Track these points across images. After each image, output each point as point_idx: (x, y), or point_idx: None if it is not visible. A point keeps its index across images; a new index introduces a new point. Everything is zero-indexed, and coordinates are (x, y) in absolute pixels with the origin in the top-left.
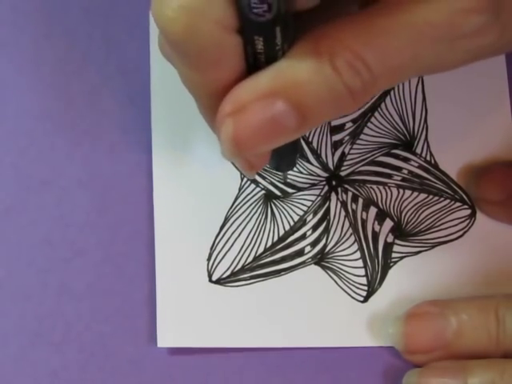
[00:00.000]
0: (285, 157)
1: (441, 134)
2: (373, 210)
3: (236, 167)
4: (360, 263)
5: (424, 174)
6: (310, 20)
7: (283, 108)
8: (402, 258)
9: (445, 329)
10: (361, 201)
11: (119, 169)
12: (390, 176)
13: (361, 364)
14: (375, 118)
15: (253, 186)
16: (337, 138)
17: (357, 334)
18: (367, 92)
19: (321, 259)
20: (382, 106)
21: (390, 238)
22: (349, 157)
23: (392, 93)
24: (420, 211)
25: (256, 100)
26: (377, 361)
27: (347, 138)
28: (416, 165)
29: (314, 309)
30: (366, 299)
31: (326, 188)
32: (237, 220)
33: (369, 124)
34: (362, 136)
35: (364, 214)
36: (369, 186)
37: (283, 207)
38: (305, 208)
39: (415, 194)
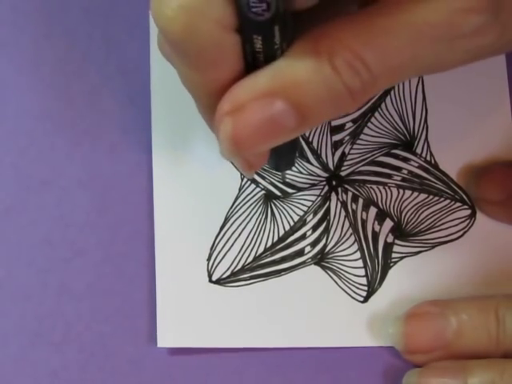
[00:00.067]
0: (284, 156)
1: (441, 134)
2: (373, 210)
3: (235, 167)
4: (360, 263)
5: (424, 174)
6: (309, 19)
7: (282, 107)
8: (402, 258)
9: (445, 329)
10: (361, 201)
11: (119, 169)
12: (390, 176)
13: (361, 364)
14: (375, 118)
15: (253, 186)
16: (337, 138)
17: (357, 334)
18: (367, 92)
19: (321, 259)
20: (382, 106)
21: (390, 238)
22: (349, 157)
23: (392, 93)
24: (420, 211)
25: (255, 99)
26: (377, 361)
27: (347, 138)
28: (416, 165)
29: (314, 309)
30: (366, 299)
31: (326, 188)
32: (237, 220)
33: (369, 124)
34: (362, 136)
35: (364, 214)
36: (369, 186)
37: (283, 207)
38: (305, 208)
39: (415, 194)
